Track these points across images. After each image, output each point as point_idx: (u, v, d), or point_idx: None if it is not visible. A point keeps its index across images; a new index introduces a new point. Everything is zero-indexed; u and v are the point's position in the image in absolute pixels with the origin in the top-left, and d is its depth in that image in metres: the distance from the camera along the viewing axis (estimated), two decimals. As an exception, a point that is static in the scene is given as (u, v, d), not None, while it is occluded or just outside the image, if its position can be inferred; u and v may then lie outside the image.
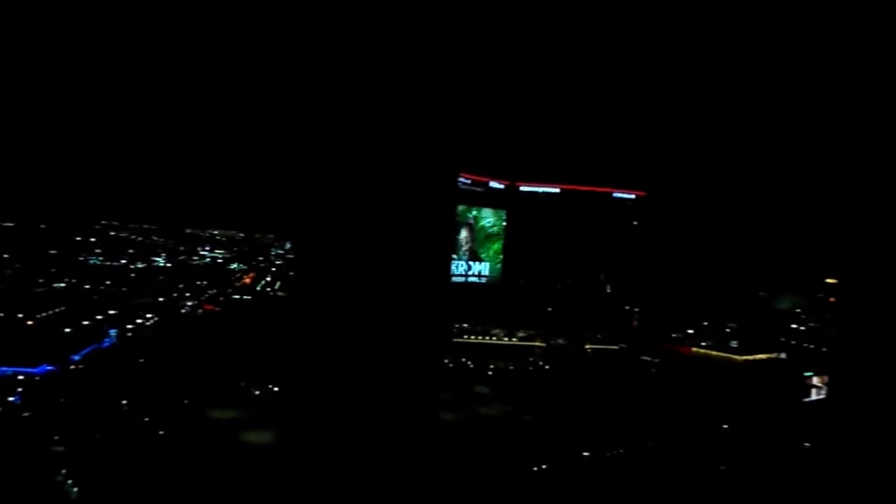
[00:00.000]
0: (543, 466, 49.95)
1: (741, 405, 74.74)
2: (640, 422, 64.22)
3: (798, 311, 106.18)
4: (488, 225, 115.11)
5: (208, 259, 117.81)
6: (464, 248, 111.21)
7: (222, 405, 61.97)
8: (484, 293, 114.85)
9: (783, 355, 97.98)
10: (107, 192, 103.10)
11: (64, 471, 45.47)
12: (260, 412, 60.70)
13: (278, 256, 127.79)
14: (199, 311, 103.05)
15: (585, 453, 53.64)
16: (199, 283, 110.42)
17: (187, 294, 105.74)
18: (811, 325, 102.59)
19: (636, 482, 50.07)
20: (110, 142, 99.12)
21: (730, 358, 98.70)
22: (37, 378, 67.12)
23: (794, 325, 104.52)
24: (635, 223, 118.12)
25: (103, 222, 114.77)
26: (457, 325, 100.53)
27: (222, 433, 54.60)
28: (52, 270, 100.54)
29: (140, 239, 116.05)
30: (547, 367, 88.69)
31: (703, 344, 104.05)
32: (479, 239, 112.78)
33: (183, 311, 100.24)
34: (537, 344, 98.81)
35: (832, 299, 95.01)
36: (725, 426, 66.17)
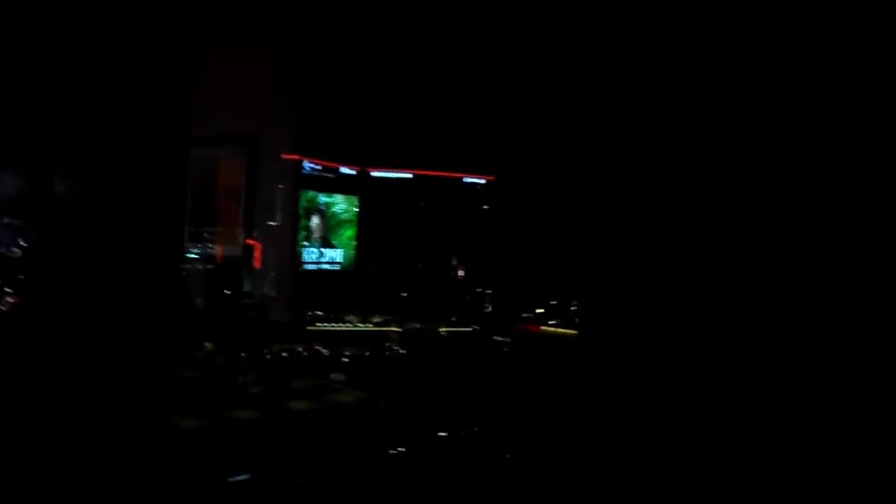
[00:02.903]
0: (400, 449, 49.77)
1: (585, 377, 78.93)
2: (493, 399, 65.96)
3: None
4: (340, 211, 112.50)
5: (23, 250, 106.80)
6: (315, 235, 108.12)
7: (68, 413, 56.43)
8: (337, 280, 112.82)
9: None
10: None
11: None
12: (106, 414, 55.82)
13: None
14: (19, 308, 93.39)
15: (442, 433, 54.11)
16: (20, 277, 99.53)
17: (7, 289, 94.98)
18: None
19: (492, 457, 51.44)
20: None
21: (575, 334, 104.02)
22: None
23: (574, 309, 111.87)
24: (485, 207, 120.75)
25: None
26: (310, 313, 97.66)
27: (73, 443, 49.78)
28: None
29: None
30: (402, 351, 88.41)
31: (551, 322, 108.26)
32: (331, 225, 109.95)
33: (3, 308, 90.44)
34: (392, 329, 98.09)
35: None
36: (570, 397, 69.57)
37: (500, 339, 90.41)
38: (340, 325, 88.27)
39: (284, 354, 65.84)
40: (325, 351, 72.90)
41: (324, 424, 46.93)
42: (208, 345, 53.74)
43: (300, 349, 70.94)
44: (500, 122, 73.19)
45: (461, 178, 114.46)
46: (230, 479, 30.92)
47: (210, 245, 78.94)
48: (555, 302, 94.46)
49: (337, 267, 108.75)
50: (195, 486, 30.10)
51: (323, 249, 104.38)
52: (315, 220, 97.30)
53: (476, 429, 50.01)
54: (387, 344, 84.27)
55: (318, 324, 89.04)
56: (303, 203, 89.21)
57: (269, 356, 62.20)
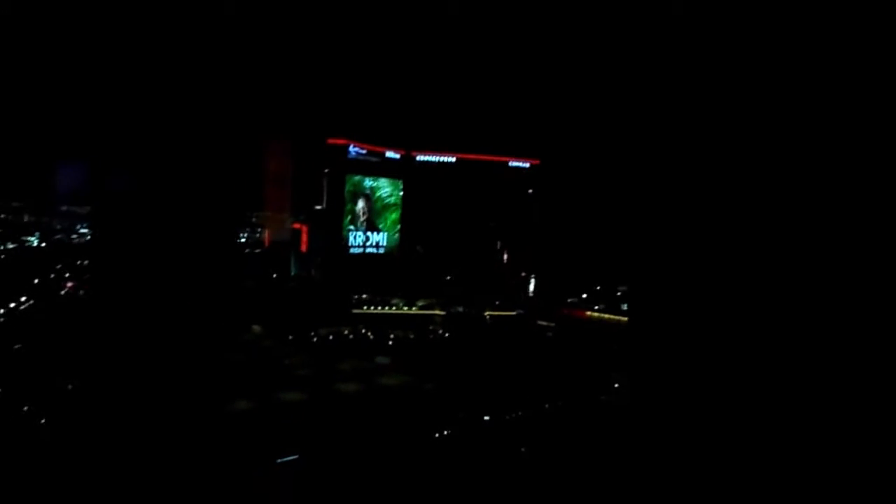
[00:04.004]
0: (445, 433, 50.76)
1: (631, 365, 78.31)
2: (537, 384, 66.34)
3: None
4: (385, 195, 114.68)
5: (89, 237, 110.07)
6: (361, 219, 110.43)
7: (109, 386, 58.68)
8: (382, 263, 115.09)
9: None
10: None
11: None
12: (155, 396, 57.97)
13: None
14: (81, 291, 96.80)
15: (486, 417, 54.98)
16: (79, 262, 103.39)
17: (67, 274, 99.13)
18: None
19: (535, 442, 51.87)
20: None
21: (620, 320, 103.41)
22: None
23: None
24: (530, 191, 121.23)
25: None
26: (356, 296, 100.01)
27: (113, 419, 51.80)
28: None
29: (8, 217, 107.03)
30: (447, 335, 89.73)
31: (597, 307, 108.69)
32: (377, 209, 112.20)
33: (63, 292, 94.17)
34: (437, 312, 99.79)
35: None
36: (616, 385, 69.25)
37: (543, 323, 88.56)
38: (385, 308, 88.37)
39: (331, 337, 66.01)
40: (370, 334, 72.97)
41: (370, 407, 46.97)
42: (256, 327, 54.37)
43: (346, 332, 71.06)
44: (545, 106, 71.39)
45: (506, 161, 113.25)
46: (279, 461, 31.26)
47: (258, 229, 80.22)
48: (599, 287, 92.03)
49: (382, 251, 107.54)
50: (245, 467, 30.66)
51: (368, 233, 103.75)
52: (361, 204, 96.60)
53: (520, 413, 49.12)
54: (431, 327, 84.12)
55: (363, 307, 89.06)
56: (348, 187, 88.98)
57: (315, 339, 62.32)
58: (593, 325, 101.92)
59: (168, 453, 40.99)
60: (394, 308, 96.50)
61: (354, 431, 48.45)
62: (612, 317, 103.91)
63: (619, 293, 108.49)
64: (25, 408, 51.69)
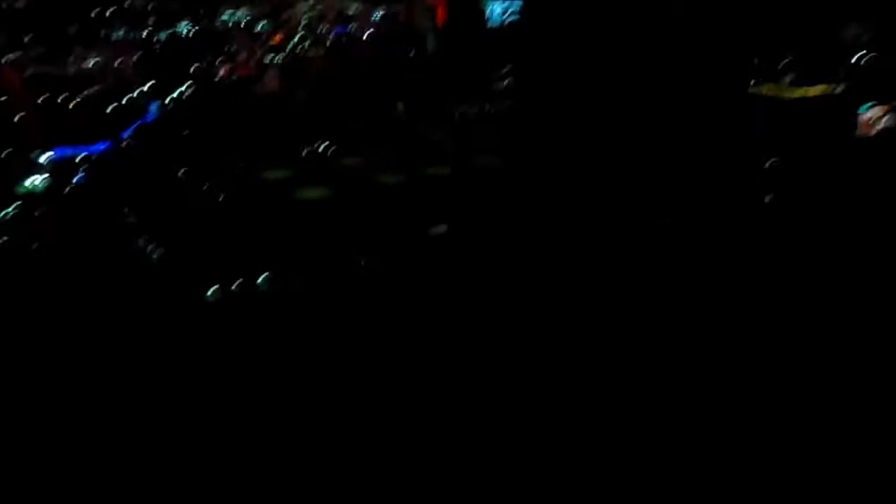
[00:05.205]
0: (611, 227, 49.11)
1: (793, 143, 68.85)
2: (715, 181, 61.10)
3: (865, 38, 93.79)
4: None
5: (232, 21, 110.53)
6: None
7: (274, 166, 62.08)
8: (519, 32, 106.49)
9: (840, 89, 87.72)
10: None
11: (144, 237, 46.75)
12: (311, 170, 60.65)
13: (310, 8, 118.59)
14: (234, 76, 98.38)
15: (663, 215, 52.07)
16: (227, 47, 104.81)
17: (219, 60, 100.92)
18: (878, 55, 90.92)
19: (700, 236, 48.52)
20: None
21: (780, 88, 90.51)
22: (95, 156, 66.46)
23: (858, 56, 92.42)
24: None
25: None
26: (497, 71, 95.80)
27: (278, 191, 55.48)
28: (79, 48, 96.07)
29: (156, 5, 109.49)
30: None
31: (762, 81, 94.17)
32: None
33: (217, 78, 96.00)
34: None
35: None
36: (774, 159, 62.99)
37: (724, 104, 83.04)
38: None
39: (472, 113, 66.61)
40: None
41: (509, 181, 48.29)
42: (400, 104, 56.22)
43: (487, 107, 71.51)
44: None
45: None
46: (430, 230, 33.91)
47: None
48: (765, 58, 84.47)
49: (515, 17, 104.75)
50: (398, 237, 33.43)
51: (507, 1, 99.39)
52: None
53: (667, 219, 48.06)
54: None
55: (503, 81, 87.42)
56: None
57: (457, 115, 63.71)
58: (757, 99, 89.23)
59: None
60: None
61: (499, 205, 48.89)
62: (776, 89, 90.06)
63: (785, 62, 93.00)
64: (206, 185, 56.86)
